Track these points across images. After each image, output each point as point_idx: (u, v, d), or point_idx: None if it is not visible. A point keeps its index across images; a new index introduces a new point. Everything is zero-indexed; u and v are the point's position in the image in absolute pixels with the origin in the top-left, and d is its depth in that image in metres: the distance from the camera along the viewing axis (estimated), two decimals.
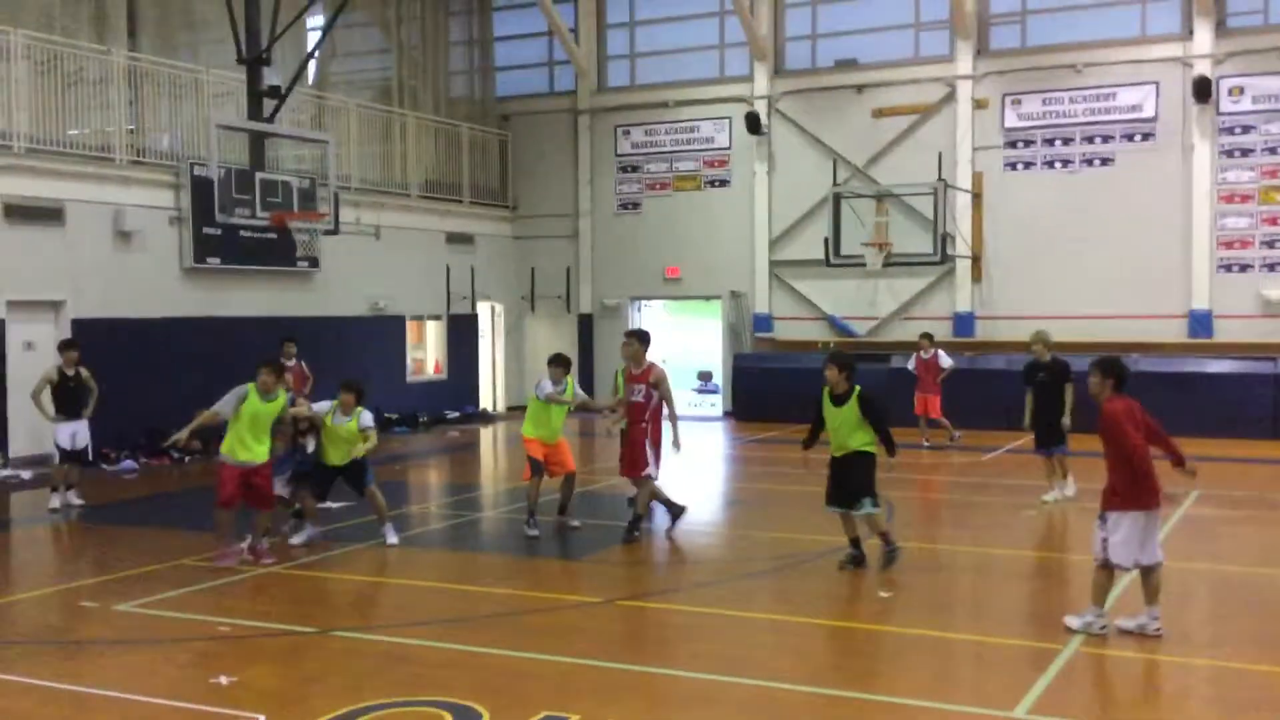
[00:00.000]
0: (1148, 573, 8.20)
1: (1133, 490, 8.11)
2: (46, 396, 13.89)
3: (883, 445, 10.08)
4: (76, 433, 13.95)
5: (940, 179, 21.44)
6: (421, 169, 24.28)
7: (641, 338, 12.01)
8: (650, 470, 11.64)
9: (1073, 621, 8.28)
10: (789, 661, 7.91)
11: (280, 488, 11.45)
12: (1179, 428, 9.66)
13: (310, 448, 11.57)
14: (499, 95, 27.02)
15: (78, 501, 14.07)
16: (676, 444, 11.76)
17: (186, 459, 13.24)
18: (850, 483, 9.99)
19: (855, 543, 10.22)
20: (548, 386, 12.13)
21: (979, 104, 22.83)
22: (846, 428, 9.97)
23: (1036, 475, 14.31)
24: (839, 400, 10.03)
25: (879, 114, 23.62)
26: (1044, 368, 14.00)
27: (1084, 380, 8.67)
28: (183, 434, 10.86)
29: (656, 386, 11.65)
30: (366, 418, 11.44)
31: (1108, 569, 8.22)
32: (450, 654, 8.06)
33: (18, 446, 16.66)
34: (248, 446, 10.66)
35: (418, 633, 8.64)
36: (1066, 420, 13.64)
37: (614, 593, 9.87)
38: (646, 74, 26.04)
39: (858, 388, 9.97)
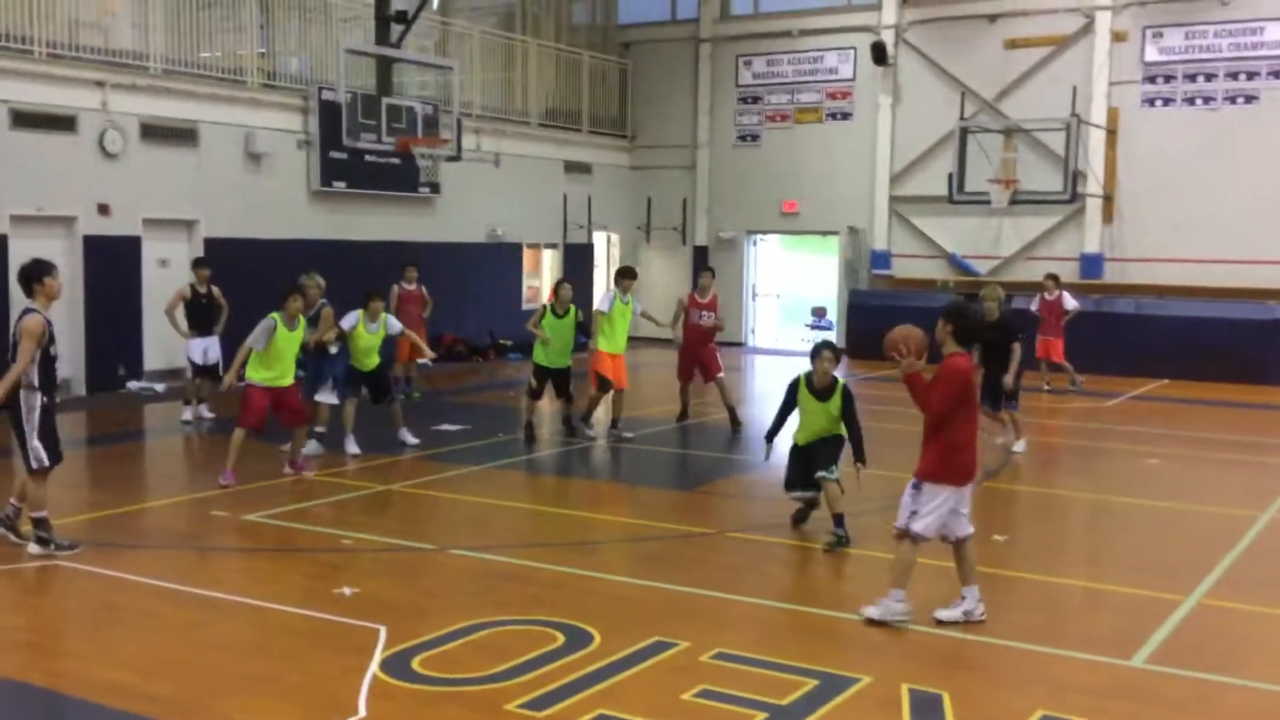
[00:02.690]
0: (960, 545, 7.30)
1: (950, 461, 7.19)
2: (180, 312, 14.43)
3: (853, 448, 9.21)
4: (208, 348, 14.49)
5: (1073, 114, 20.68)
6: (542, 97, 24.30)
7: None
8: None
9: (871, 611, 7.20)
10: None
11: (328, 395, 12.36)
12: None
13: (334, 350, 12.27)
14: (620, 23, 26.82)
15: (209, 415, 14.62)
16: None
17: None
18: (817, 461, 9.27)
19: (811, 502, 9.61)
20: (610, 299, 13.65)
21: (1117, 36, 21.93)
22: (822, 422, 9.24)
23: (1159, 423, 13.92)
24: (822, 394, 9.17)
25: (1011, 45, 22.87)
26: (990, 326, 13.31)
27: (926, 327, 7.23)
28: (231, 376, 11.10)
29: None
30: (394, 324, 12.79)
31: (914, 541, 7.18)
32: (562, 576, 8.20)
33: (152, 360, 17.31)
34: (276, 371, 11.07)
35: (531, 554, 8.83)
36: (1009, 379, 12.86)
37: (723, 524, 9.93)
38: (771, 2, 25.57)
39: (841, 381, 9.17)
